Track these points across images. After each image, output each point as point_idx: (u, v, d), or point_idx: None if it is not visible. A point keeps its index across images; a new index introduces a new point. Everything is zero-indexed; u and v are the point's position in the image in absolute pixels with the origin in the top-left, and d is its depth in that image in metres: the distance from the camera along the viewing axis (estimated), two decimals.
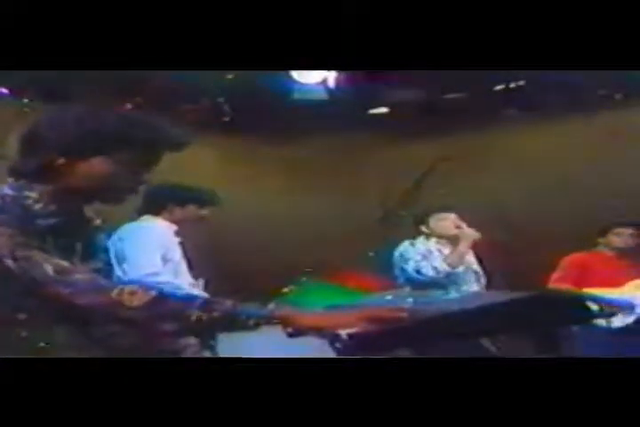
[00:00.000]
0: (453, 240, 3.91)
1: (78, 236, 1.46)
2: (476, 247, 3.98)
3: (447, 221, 3.96)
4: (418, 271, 3.81)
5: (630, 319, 3.79)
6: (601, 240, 4.34)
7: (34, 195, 1.40)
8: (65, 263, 1.34)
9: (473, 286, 3.86)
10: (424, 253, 3.87)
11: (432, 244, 3.95)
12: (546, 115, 5.74)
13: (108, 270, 1.50)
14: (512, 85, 5.73)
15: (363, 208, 5.65)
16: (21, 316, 1.35)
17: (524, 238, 4.95)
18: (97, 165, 1.44)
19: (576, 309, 1.41)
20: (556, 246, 4.43)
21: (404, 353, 1.46)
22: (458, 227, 3.92)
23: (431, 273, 3.78)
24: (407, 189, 5.81)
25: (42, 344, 1.37)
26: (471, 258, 3.99)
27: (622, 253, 4.25)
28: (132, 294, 1.30)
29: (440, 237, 3.96)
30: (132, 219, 3.18)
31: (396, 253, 3.95)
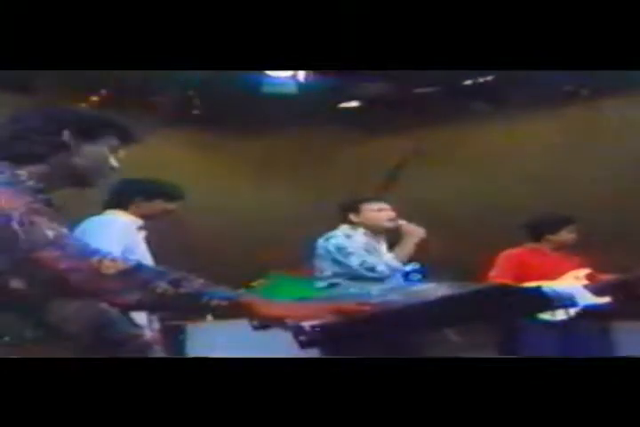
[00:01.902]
0: (385, 233, 3.62)
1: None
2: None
3: (382, 213, 3.62)
4: (371, 269, 3.49)
5: (573, 311, 3.80)
6: (550, 237, 4.23)
7: (23, 173, 1.48)
8: (63, 229, 1.39)
9: (398, 280, 3.62)
10: (366, 248, 3.55)
11: (360, 235, 3.62)
12: (513, 109, 5.81)
13: None
14: (480, 80, 5.80)
15: (333, 202, 5.67)
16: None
17: (491, 233, 4.99)
18: (95, 149, 1.58)
19: (538, 299, 1.43)
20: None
21: (367, 345, 1.47)
22: (391, 219, 3.60)
23: (386, 271, 3.49)
24: (379, 183, 5.86)
25: (6, 338, 1.37)
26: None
27: (558, 247, 4.21)
28: (113, 261, 1.32)
29: (371, 228, 3.62)
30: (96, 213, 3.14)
31: (329, 246, 3.56)
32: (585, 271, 4.03)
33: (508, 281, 3.83)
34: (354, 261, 3.50)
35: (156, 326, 2.64)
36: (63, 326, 1.44)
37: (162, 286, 1.32)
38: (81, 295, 1.39)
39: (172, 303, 1.35)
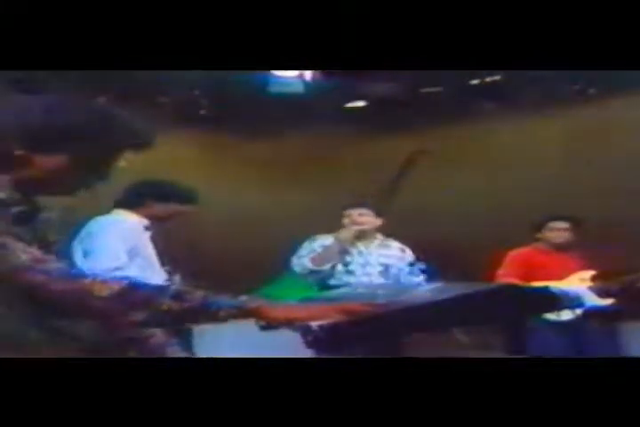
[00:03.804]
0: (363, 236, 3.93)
1: (38, 226, 1.43)
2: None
3: (346, 219, 3.94)
4: (293, 266, 3.87)
5: (579, 312, 3.83)
6: (539, 236, 4.34)
7: None
8: (39, 253, 1.32)
9: (376, 278, 3.82)
10: (313, 249, 3.87)
11: (333, 240, 3.94)
12: (520, 108, 5.79)
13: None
14: (488, 80, 5.78)
15: (340, 202, 5.66)
16: None
17: (499, 232, 4.98)
18: (52, 160, 1.40)
19: (545, 298, 1.43)
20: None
21: (374, 345, 1.46)
22: (355, 224, 3.89)
23: (298, 269, 3.84)
24: (386, 183, 5.84)
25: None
26: (382, 251, 3.95)
27: (561, 246, 4.26)
28: (104, 283, 1.29)
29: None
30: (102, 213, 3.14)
31: (308, 247, 3.97)
32: (590, 273, 4.06)
33: (515, 280, 3.85)
34: (293, 261, 3.88)
35: None
36: (72, 325, 1.43)
37: (166, 302, 1.30)
38: (78, 317, 1.37)
39: (179, 318, 1.34)
